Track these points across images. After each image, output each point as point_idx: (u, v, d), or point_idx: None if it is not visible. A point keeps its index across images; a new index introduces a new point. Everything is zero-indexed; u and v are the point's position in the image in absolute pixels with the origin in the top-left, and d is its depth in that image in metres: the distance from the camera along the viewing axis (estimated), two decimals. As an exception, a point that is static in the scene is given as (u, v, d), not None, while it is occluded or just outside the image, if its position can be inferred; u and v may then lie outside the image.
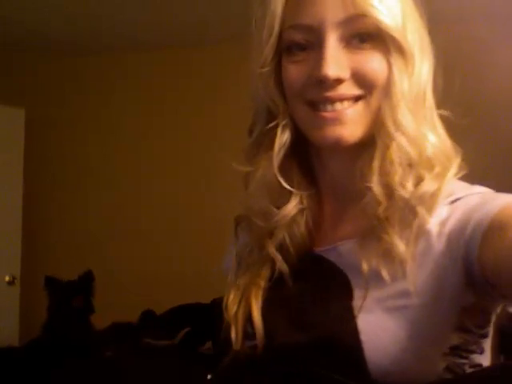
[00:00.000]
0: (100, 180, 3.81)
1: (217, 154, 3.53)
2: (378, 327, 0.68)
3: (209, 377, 0.80)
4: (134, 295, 3.41)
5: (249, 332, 0.75)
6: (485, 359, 0.73)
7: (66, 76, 3.89)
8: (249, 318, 0.75)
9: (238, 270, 0.81)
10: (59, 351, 2.51)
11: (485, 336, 0.73)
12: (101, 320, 2.81)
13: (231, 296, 0.78)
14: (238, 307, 0.77)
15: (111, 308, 3.01)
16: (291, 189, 0.77)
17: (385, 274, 0.69)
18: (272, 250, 0.77)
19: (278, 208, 0.77)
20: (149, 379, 2.19)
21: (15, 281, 3.55)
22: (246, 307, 0.76)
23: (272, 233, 0.77)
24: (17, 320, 3.53)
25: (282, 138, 0.76)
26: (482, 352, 0.73)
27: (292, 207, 0.77)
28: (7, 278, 3.53)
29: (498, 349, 0.75)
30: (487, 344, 0.74)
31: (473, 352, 0.72)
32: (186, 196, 3.61)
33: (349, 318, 0.70)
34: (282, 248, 0.77)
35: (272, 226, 0.77)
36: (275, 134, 0.77)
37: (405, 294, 0.69)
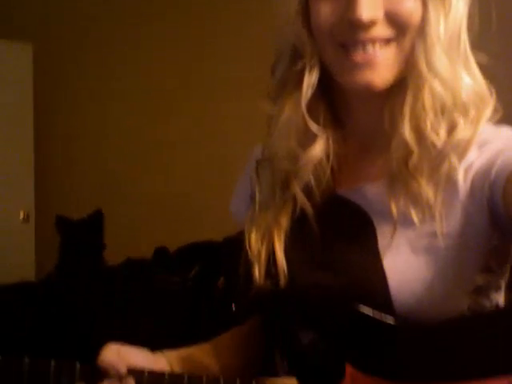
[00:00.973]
0: (111, 116, 3.77)
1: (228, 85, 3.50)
2: (405, 267, 0.69)
3: (233, 307, 0.82)
4: (148, 231, 3.45)
5: (271, 271, 0.75)
6: (500, 296, 0.76)
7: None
8: (271, 257, 0.76)
9: (259, 210, 0.80)
10: (73, 288, 2.55)
11: (504, 275, 0.75)
12: (115, 256, 2.85)
13: (253, 235, 0.78)
14: (261, 246, 0.77)
15: (125, 244, 3.04)
16: (318, 128, 0.75)
17: (413, 215, 0.69)
18: (297, 191, 0.76)
19: (304, 151, 0.76)
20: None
21: (29, 218, 3.59)
22: (269, 246, 0.77)
23: (296, 175, 0.77)
24: (33, 256, 3.59)
25: (310, 78, 0.74)
26: (499, 290, 0.75)
27: (319, 150, 0.75)
28: (21, 215, 3.57)
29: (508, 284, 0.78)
30: (503, 282, 0.76)
31: (493, 290, 0.74)
32: (201, 132, 3.58)
33: (374, 258, 0.70)
34: (305, 190, 0.77)
35: (297, 168, 0.76)
36: (302, 75, 0.74)
37: (432, 235, 0.69)
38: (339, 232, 0.75)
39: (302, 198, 0.76)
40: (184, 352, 0.83)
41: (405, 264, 0.69)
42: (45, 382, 0.71)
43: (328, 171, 0.77)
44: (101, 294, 2.54)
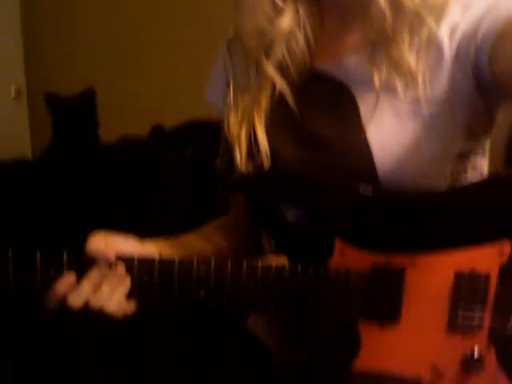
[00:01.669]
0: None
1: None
2: (388, 134, 0.70)
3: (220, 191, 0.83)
4: (144, 109, 3.39)
5: (253, 152, 0.75)
6: (485, 163, 0.78)
7: None
8: (252, 138, 0.75)
9: (235, 93, 0.78)
10: (69, 166, 2.55)
11: (487, 138, 0.77)
12: (110, 135, 2.82)
13: (231, 118, 0.77)
14: (240, 128, 0.76)
15: (120, 122, 3.00)
16: (284, 1, 0.72)
17: (397, 82, 0.69)
18: (270, 69, 0.74)
19: (272, 25, 0.73)
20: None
21: (21, 94, 3.50)
22: (249, 127, 0.76)
23: (268, 52, 0.74)
24: (27, 133, 3.56)
25: None
26: (483, 153, 0.77)
27: (288, 20, 0.73)
28: (13, 92, 3.47)
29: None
30: (487, 146, 0.78)
31: (477, 154, 0.76)
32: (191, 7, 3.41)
33: (357, 129, 0.71)
34: (281, 67, 0.75)
35: (268, 44, 0.74)
36: None
37: (416, 101, 0.69)
38: (320, 108, 0.75)
39: (277, 77, 0.74)
40: (173, 239, 0.83)
41: (388, 131, 0.70)
42: (32, 274, 0.68)
43: (302, 44, 0.75)
44: (97, 173, 2.53)
